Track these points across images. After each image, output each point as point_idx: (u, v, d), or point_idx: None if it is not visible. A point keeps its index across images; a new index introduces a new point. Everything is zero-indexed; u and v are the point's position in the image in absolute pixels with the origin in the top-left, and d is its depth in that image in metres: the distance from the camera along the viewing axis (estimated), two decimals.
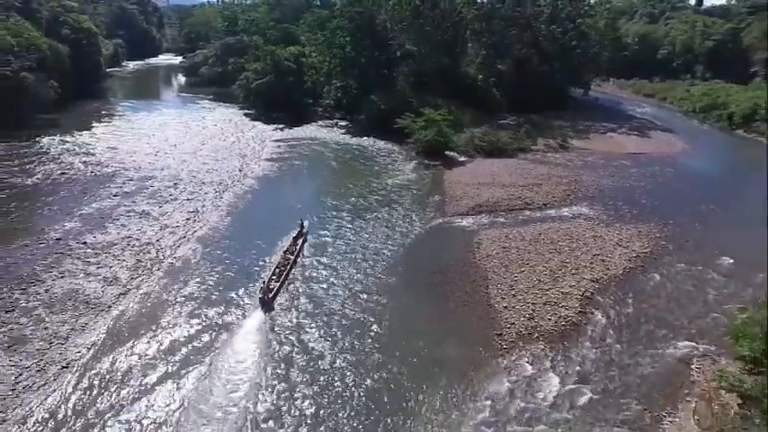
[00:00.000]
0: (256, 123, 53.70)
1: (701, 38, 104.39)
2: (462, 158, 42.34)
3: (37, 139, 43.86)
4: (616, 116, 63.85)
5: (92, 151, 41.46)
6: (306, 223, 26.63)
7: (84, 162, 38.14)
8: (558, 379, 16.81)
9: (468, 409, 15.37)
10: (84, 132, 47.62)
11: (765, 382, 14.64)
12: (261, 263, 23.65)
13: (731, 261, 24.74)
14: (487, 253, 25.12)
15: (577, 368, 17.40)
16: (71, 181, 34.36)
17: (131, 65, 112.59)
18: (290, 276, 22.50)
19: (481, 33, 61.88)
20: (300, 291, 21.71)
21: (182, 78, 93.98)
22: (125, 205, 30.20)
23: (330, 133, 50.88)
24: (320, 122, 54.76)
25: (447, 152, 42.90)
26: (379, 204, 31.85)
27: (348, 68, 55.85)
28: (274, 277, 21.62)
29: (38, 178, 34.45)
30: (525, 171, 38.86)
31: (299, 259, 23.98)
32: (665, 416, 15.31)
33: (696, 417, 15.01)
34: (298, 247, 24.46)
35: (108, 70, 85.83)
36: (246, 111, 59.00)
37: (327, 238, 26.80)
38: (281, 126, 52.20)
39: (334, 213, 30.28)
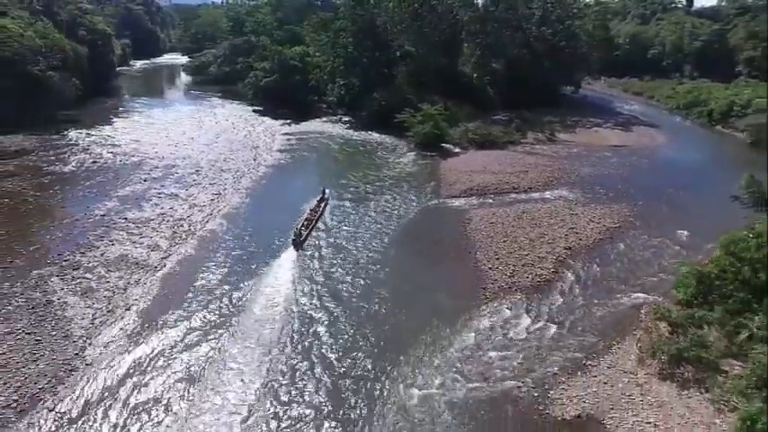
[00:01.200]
0: (265, 119, 57.41)
1: (689, 38, 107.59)
2: (457, 150, 46.08)
3: (65, 132, 47.58)
4: (603, 112, 67.56)
5: (116, 143, 45.19)
6: (327, 191, 31.97)
7: (112, 153, 41.88)
8: (530, 320, 20.63)
9: (455, 340, 19.16)
10: (107, 127, 51.33)
11: (691, 312, 18.45)
12: (279, 233, 27.46)
13: (687, 234, 28.52)
14: (476, 227, 28.95)
15: (547, 312, 21.21)
16: (103, 168, 38.11)
17: (138, 64, 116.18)
18: (315, 230, 27.86)
19: (476, 34, 65.53)
20: (323, 240, 27.09)
21: (187, 77, 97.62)
22: (155, 188, 33.96)
23: (334, 128, 54.63)
24: (324, 118, 58.47)
25: (443, 144, 46.63)
26: (382, 188, 35.70)
27: (350, 67, 59.48)
28: (303, 227, 26.92)
29: (73, 166, 38.20)
30: (514, 161, 42.66)
31: (320, 219, 29.20)
32: (614, 344, 19.12)
33: (638, 343, 18.79)
34: (321, 209, 29.79)
35: (117, 69, 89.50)
36: (255, 107, 62.68)
37: (341, 213, 30.72)
38: (288, 121, 55.93)
39: (344, 194, 34.06)
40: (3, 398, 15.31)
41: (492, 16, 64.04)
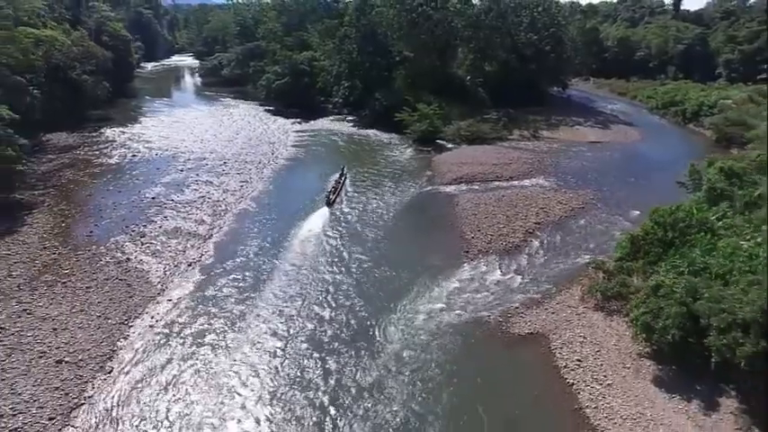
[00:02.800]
0: (277, 118, 63.30)
1: (673, 41, 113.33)
2: (450, 145, 51.99)
3: (101, 131, 53.47)
4: (586, 112, 73.43)
5: (149, 140, 51.07)
6: (345, 168, 40.00)
7: (148, 148, 47.80)
8: (501, 273, 26.64)
9: (442, 286, 25.12)
10: (137, 125, 57.25)
11: (620, 264, 24.41)
12: (299, 208, 33.95)
13: (638, 213, 34.37)
14: (463, 208, 34.92)
15: (514, 268, 27.20)
16: (143, 161, 44.05)
17: (149, 66, 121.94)
18: (339, 197, 36.24)
19: (469, 40, 71.31)
20: (345, 204, 34.91)
21: (199, 79, 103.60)
22: (191, 177, 39.91)
23: (340, 126, 60.55)
24: (331, 117, 64.38)
25: (437, 140, 52.59)
26: (384, 177, 41.67)
27: (354, 71, 65.38)
28: (331, 192, 35.92)
29: (117, 159, 44.12)
30: (499, 154, 48.58)
31: (343, 189, 37.90)
32: (563, 289, 25.08)
33: (581, 287, 24.76)
34: (342, 181, 38.51)
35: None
36: (267, 107, 68.59)
37: (351, 196, 36.86)
38: (298, 120, 61.84)
39: (353, 182, 40.03)
40: (117, 318, 21.31)
41: (484, 23, 69.72)
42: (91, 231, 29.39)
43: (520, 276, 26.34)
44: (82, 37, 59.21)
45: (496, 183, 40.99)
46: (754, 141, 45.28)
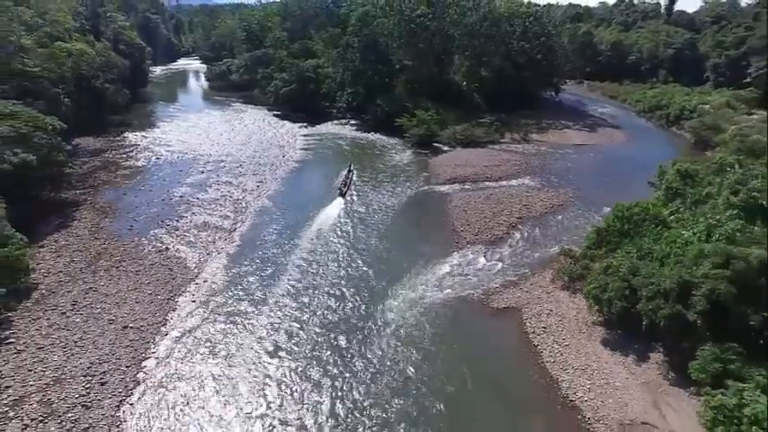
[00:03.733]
0: (285, 122, 67.77)
1: (663, 46, 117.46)
2: (446, 148, 56.44)
3: (124, 135, 58.01)
4: (576, 115, 77.78)
5: (169, 143, 55.61)
6: (351, 165, 45.13)
7: (169, 151, 52.34)
8: (485, 260, 31.14)
9: (436, 269, 29.64)
10: (156, 130, 61.78)
11: (585, 251, 28.87)
12: (310, 203, 38.50)
13: (609, 209, 38.59)
14: (455, 205, 39.42)
15: (497, 256, 31.71)
16: (166, 163, 48.59)
17: (158, 70, 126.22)
18: (349, 190, 41.74)
19: (465, 48, 75.76)
20: (353, 201, 39.39)
21: (207, 83, 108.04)
22: (212, 178, 44.45)
23: (344, 130, 65.03)
24: (335, 121, 68.85)
25: (435, 143, 57.06)
26: (385, 177, 46.18)
27: (357, 78, 69.78)
28: (342, 185, 41.59)
29: (143, 162, 48.67)
30: (490, 157, 53.05)
31: (351, 186, 43.00)
32: (537, 273, 29.60)
33: (551, 271, 29.26)
34: (350, 176, 44.01)
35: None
36: (275, 112, 73.07)
37: (357, 193, 41.28)
38: (305, 124, 66.30)
39: (357, 181, 44.52)
40: (164, 295, 25.90)
41: (479, 33, 74.13)
42: (131, 226, 33.95)
43: (501, 263, 30.86)
44: (104, 48, 63.72)
45: (486, 183, 45.47)
46: (721, 145, 49.73)
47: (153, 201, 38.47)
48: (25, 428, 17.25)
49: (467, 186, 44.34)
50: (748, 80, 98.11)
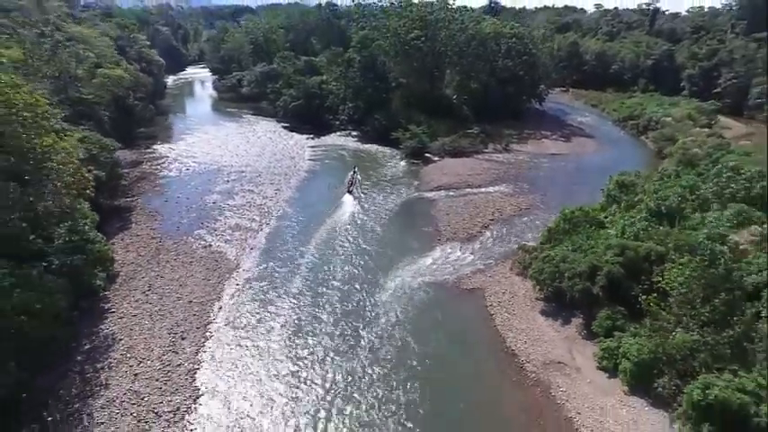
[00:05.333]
0: (294, 134, 75.98)
1: (644, 56, 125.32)
2: (435, 159, 64.72)
3: (153, 147, 66.27)
4: (556, 125, 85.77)
5: (194, 155, 63.88)
6: (356, 168, 54.16)
7: (196, 162, 60.66)
8: (460, 252, 39.53)
9: (421, 260, 37.99)
10: (180, 143, 70.03)
11: (538, 245, 37.17)
12: (322, 203, 47.02)
13: None
14: (439, 209, 47.78)
15: (470, 250, 40.08)
16: (195, 173, 56.91)
17: (169, 80, 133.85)
18: (355, 188, 51.01)
19: (455, 65, 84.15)
20: (358, 206, 47.56)
21: (213, 91, 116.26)
22: (237, 186, 52.76)
23: (346, 141, 73.31)
24: (338, 133, 77.07)
25: (425, 154, 65.37)
26: (383, 183, 54.53)
27: (357, 93, 78.09)
28: (349, 184, 51.45)
29: (175, 172, 57.01)
30: (474, 166, 61.39)
31: (357, 185, 52.33)
32: (499, 263, 37.92)
33: (511, 262, 37.59)
34: (355, 177, 53.10)
35: None
36: (283, 124, 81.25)
37: (360, 199, 49.71)
38: (311, 136, 74.55)
39: (362, 188, 52.88)
40: (214, 279, 34.27)
41: (467, 52, 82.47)
42: (178, 227, 42.32)
43: (472, 255, 39.26)
44: (134, 70, 72.05)
45: (467, 189, 53.83)
46: (668, 157, 58.13)
47: (191, 206, 46.83)
48: (139, 364, 25.58)
49: (451, 193, 52.69)
50: (718, 90, 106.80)
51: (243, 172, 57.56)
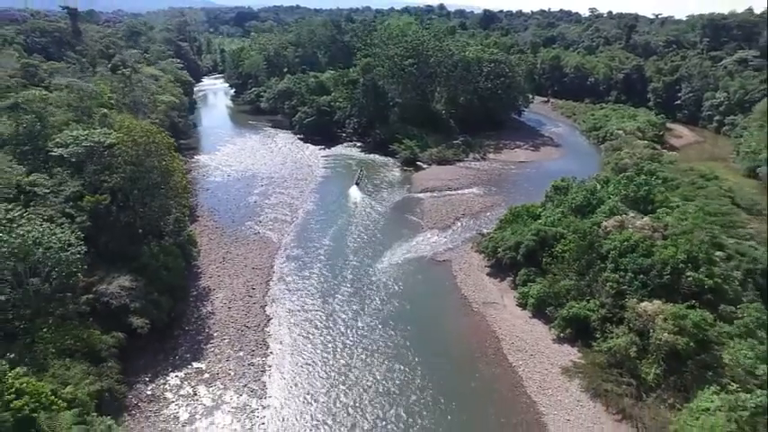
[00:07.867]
0: (308, 145, 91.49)
1: (616, 70, 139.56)
2: (425, 166, 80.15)
3: (196, 158, 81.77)
4: (529, 135, 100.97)
5: (230, 164, 79.39)
6: (362, 168, 69.70)
7: (234, 170, 76.26)
8: (437, 237, 55.16)
9: (408, 243, 53.51)
10: (216, 153, 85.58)
11: (491, 232, 52.60)
12: (338, 198, 62.15)
13: None
14: (425, 206, 63.31)
15: (445, 236, 55.64)
16: (234, 179, 72.46)
17: None
18: (362, 181, 65.33)
19: (444, 85, 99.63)
20: (367, 188, 61.79)
21: (230, 101, 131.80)
22: (269, 189, 68.29)
23: (351, 151, 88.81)
24: (345, 144, 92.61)
25: (417, 162, 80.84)
26: (381, 186, 70.03)
27: (361, 110, 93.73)
28: (358, 178, 65.03)
29: (219, 179, 72.54)
30: (455, 172, 76.83)
31: (363, 179, 67.04)
32: (465, 244, 53.43)
33: (472, 243, 53.05)
34: (362, 173, 67.87)
35: None
36: (299, 136, 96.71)
37: (367, 198, 65.19)
38: (322, 147, 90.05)
39: (366, 190, 68.35)
40: (267, 254, 49.82)
41: (453, 74, 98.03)
42: (233, 220, 57.88)
43: (446, 239, 54.78)
44: (178, 93, 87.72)
45: (448, 191, 69.31)
46: (604, 167, 73.51)
47: (239, 205, 62.39)
48: (230, 302, 41.16)
49: (434, 194, 68.19)
50: (679, 102, 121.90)
51: (272, 177, 73.10)
